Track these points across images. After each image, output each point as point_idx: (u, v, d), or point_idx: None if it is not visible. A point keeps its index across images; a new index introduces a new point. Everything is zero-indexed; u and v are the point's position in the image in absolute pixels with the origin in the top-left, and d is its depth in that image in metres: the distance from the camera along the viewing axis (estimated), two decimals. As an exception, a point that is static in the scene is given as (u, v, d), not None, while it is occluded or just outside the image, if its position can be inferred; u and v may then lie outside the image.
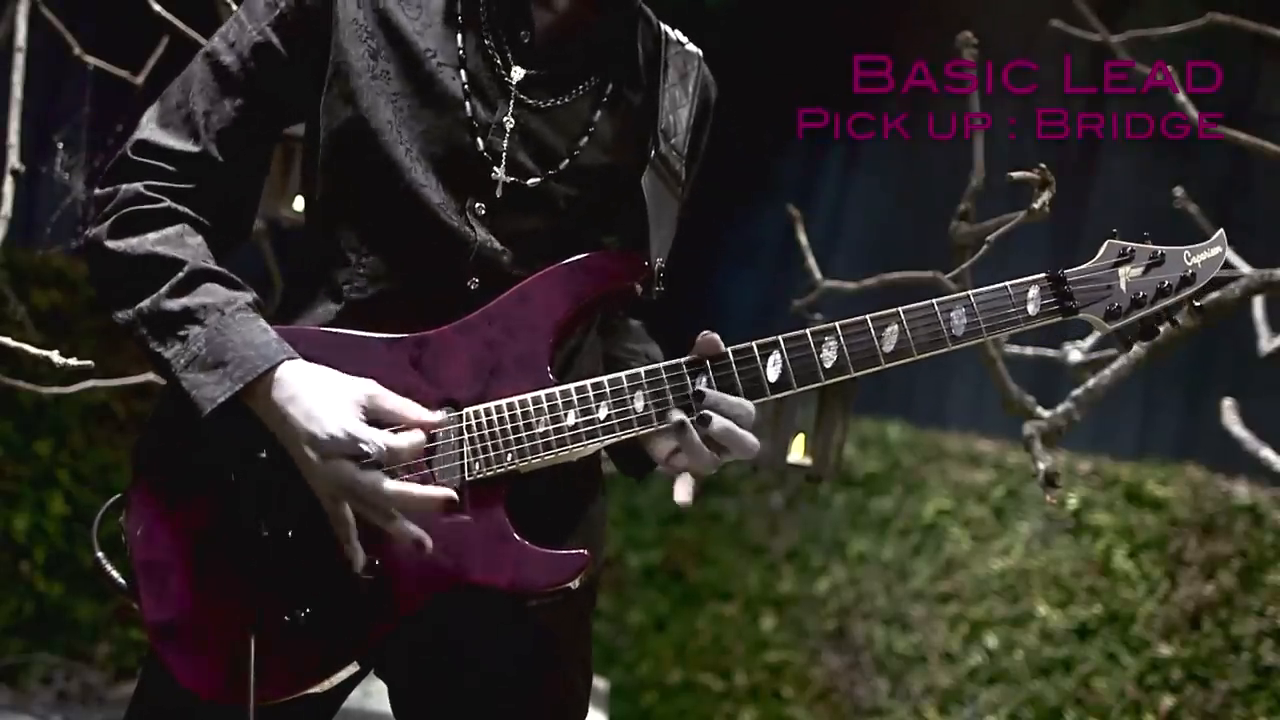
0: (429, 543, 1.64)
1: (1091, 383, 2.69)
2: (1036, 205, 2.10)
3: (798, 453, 3.16)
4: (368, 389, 1.66)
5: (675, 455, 1.71)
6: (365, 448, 1.61)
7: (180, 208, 1.74)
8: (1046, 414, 2.66)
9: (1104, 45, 2.96)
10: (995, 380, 2.70)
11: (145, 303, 1.69)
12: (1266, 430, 3.27)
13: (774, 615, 5.84)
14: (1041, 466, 2.49)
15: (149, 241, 1.71)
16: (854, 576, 5.61)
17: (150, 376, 3.11)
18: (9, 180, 2.72)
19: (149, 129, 1.79)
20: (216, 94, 1.78)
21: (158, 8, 2.89)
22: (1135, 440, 5.50)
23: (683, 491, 1.70)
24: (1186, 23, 2.84)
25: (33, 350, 2.39)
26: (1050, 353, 3.33)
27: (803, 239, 3.19)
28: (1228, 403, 3.33)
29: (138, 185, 1.74)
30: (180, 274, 1.69)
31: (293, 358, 1.67)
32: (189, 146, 1.76)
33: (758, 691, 5.72)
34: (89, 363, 2.35)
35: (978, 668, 5.00)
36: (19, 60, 2.85)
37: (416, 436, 1.65)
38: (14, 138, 2.77)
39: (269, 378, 1.65)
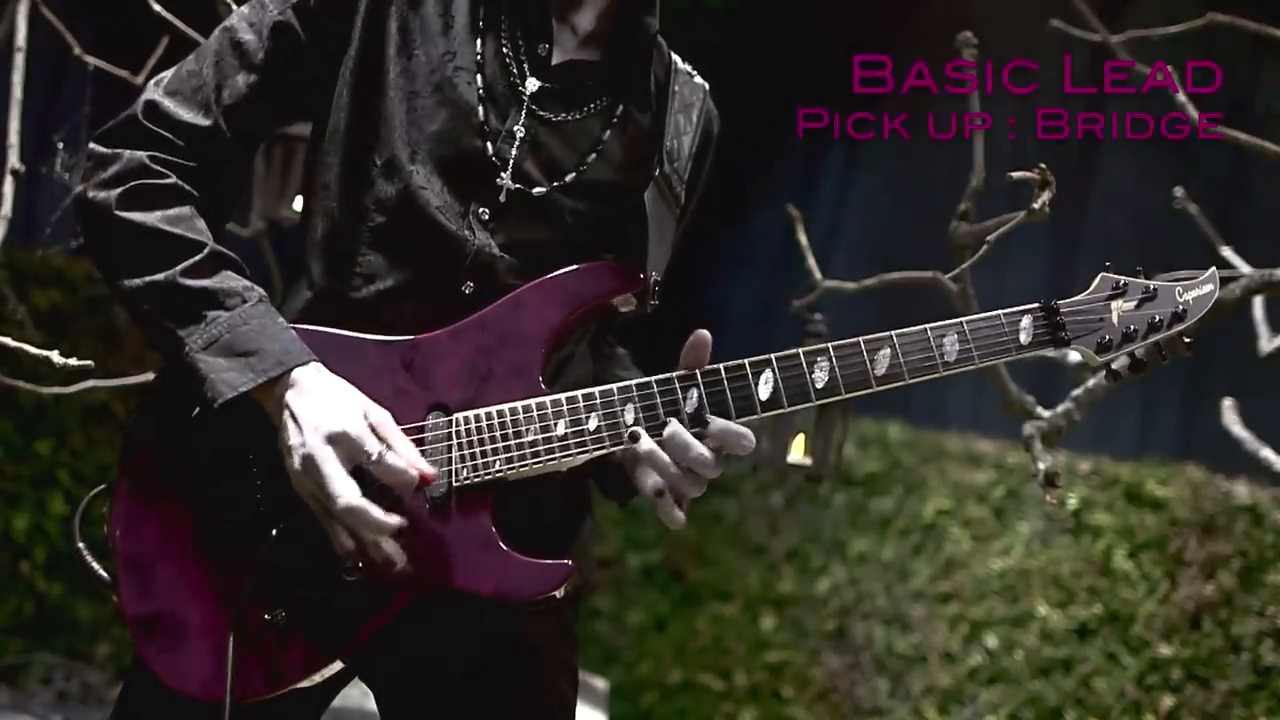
0: (400, 561, 1.65)
1: (1091, 383, 2.68)
2: (1036, 205, 2.10)
3: (798, 453, 3.16)
4: (383, 416, 1.67)
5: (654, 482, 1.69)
6: (366, 448, 1.62)
7: (186, 186, 1.74)
8: (1046, 414, 2.65)
9: (1104, 45, 2.96)
10: (995, 380, 2.70)
11: (159, 276, 1.68)
12: (1266, 430, 3.27)
13: (774, 615, 5.84)
14: (1041, 466, 2.49)
15: (157, 218, 1.70)
16: (854, 576, 5.61)
17: (150, 376, 3.10)
18: (9, 180, 2.71)
19: (158, 93, 1.78)
20: (231, 69, 1.78)
21: (158, 8, 2.89)
22: (1135, 440, 5.50)
23: (667, 515, 1.68)
24: (1186, 23, 2.84)
25: (33, 350, 2.39)
26: (1050, 353, 3.32)
27: (803, 239, 3.19)
28: (1228, 403, 3.32)
29: (143, 155, 1.73)
30: (200, 255, 1.69)
31: (314, 359, 1.68)
32: (199, 119, 1.76)
33: (758, 691, 5.72)
34: (89, 363, 2.35)
35: (978, 668, 5.00)
36: (19, 60, 2.85)
37: (409, 467, 1.64)
38: (14, 138, 2.76)
39: (288, 375, 1.66)
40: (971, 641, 5.06)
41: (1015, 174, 2.09)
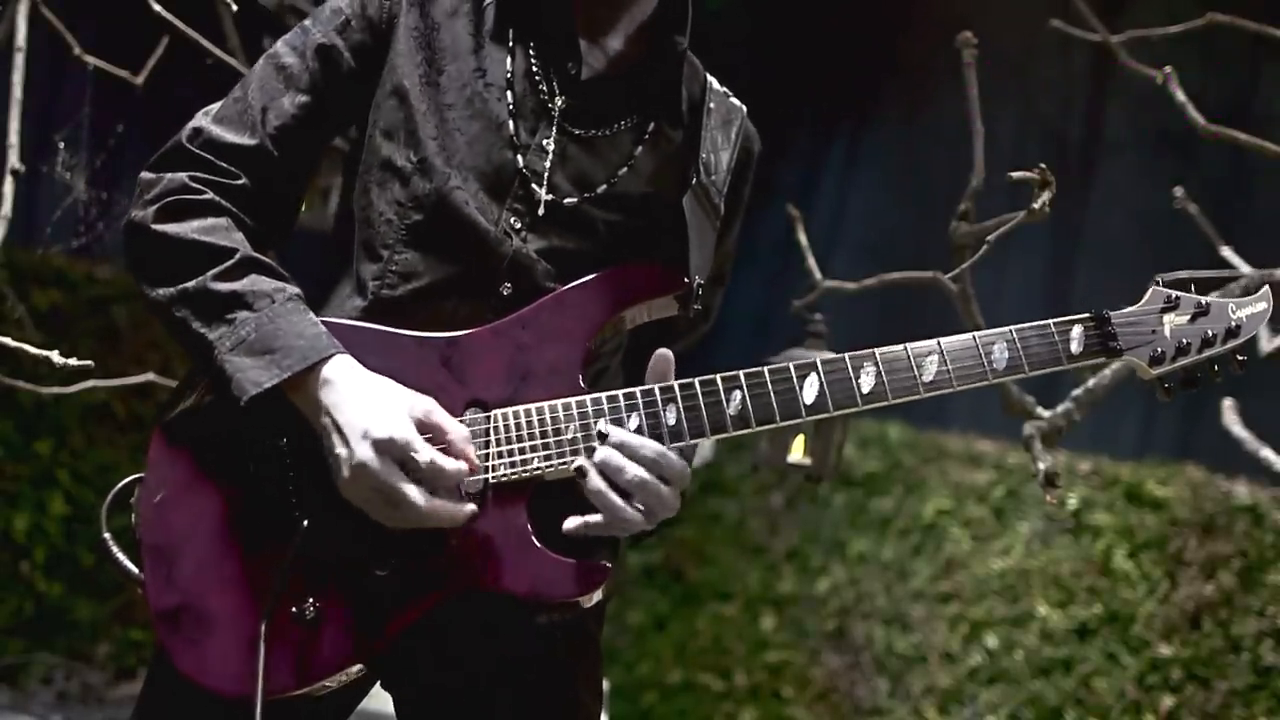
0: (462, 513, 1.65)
1: (1091, 383, 2.68)
2: (1036, 205, 2.10)
3: (798, 453, 3.15)
4: (426, 404, 1.67)
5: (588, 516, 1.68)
6: (417, 456, 1.61)
7: (224, 202, 1.76)
8: (1046, 414, 2.65)
9: (1104, 45, 2.96)
10: (995, 380, 2.69)
11: (190, 283, 1.70)
12: (1266, 430, 3.27)
13: (774, 615, 5.83)
14: (1041, 466, 2.49)
15: (192, 229, 1.72)
16: (854, 576, 5.61)
17: (150, 376, 3.11)
18: (9, 180, 2.71)
19: (205, 120, 1.81)
20: (276, 91, 1.81)
21: (158, 8, 2.88)
22: (1135, 440, 5.50)
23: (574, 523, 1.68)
24: (1186, 23, 2.84)
25: (33, 350, 2.39)
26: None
27: (803, 239, 3.19)
28: (1228, 403, 3.32)
29: (183, 175, 1.76)
30: (230, 260, 1.71)
31: (341, 352, 1.68)
32: (244, 140, 1.79)
33: (758, 691, 5.72)
34: (89, 363, 2.35)
35: (978, 668, 5.00)
36: (19, 60, 2.84)
37: (462, 465, 1.64)
38: (14, 138, 2.76)
39: (316, 370, 1.66)
40: (971, 641, 5.06)
41: (1015, 174, 2.09)
